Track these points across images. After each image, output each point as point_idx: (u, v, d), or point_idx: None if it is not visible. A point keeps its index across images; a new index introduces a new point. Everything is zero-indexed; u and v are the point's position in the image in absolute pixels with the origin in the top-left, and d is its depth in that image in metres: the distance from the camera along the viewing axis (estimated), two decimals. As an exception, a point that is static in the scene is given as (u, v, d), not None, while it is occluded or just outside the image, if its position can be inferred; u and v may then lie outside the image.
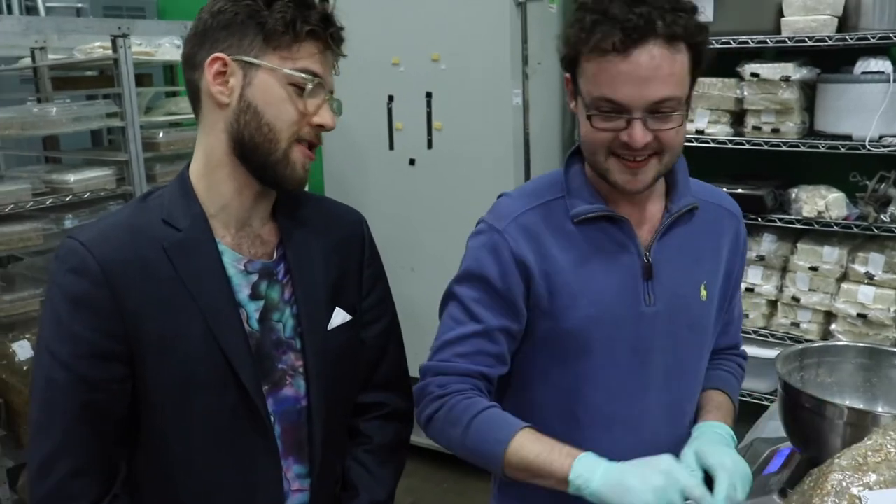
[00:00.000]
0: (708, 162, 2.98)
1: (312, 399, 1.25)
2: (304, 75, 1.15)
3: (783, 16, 2.61)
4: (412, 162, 3.16)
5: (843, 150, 2.57)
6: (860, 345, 1.42)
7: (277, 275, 1.24)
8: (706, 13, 2.70)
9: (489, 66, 2.91)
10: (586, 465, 1.13)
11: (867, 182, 2.65)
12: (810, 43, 2.56)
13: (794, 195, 2.76)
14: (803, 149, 2.65)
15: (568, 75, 1.23)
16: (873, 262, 2.62)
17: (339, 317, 1.29)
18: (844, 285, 2.68)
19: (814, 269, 2.73)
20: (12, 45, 2.94)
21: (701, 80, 2.76)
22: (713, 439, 1.24)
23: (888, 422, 1.13)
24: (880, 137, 2.52)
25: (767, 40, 2.64)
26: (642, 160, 1.19)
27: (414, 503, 3.18)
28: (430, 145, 3.11)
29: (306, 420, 1.26)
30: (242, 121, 1.15)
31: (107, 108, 2.77)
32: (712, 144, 2.81)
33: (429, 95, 3.06)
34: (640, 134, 1.15)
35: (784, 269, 2.83)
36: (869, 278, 2.63)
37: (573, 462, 1.14)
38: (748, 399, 2.82)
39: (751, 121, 2.75)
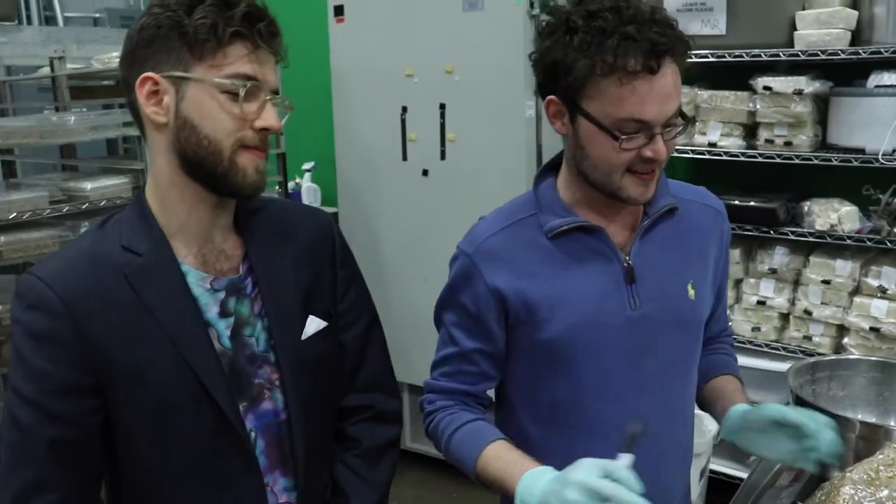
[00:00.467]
0: (720, 175, 2.99)
1: (292, 411, 1.23)
2: (234, 81, 1.09)
3: (796, 29, 2.61)
4: (425, 173, 3.17)
5: (855, 163, 2.56)
6: (872, 359, 1.42)
7: (245, 289, 1.22)
8: (719, 26, 2.71)
9: (502, 77, 2.92)
10: (530, 480, 1.13)
11: (880, 195, 2.64)
12: (823, 56, 2.55)
13: (806, 208, 2.75)
14: (816, 162, 2.64)
15: (554, 97, 1.21)
16: (886, 275, 2.61)
17: (313, 325, 1.26)
18: (857, 299, 2.67)
19: (826, 282, 2.72)
20: (32, 54, 2.97)
21: (713, 93, 2.84)
22: (772, 407, 1.24)
23: (900, 436, 1.13)
24: (893, 151, 2.51)
25: (780, 53, 2.64)
26: (653, 171, 1.21)
27: (423, 513, 3.18)
28: (443, 156, 3.12)
29: (287, 433, 1.24)
30: (182, 138, 1.11)
31: (123, 118, 2.81)
32: (725, 157, 2.80)
33: (442, 107, 3.07)
34: (663, 147, 1.17)
35: (796, 283, 2.82)
36: (882, 292, 2.61)
37: (521, 477, 1.15)
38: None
39: (763, 134, 2.75)
